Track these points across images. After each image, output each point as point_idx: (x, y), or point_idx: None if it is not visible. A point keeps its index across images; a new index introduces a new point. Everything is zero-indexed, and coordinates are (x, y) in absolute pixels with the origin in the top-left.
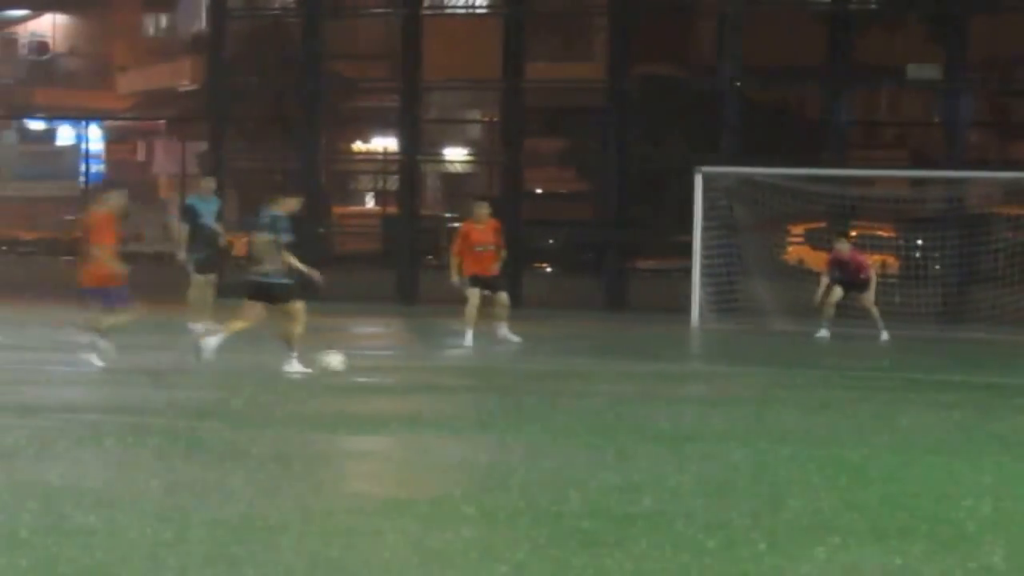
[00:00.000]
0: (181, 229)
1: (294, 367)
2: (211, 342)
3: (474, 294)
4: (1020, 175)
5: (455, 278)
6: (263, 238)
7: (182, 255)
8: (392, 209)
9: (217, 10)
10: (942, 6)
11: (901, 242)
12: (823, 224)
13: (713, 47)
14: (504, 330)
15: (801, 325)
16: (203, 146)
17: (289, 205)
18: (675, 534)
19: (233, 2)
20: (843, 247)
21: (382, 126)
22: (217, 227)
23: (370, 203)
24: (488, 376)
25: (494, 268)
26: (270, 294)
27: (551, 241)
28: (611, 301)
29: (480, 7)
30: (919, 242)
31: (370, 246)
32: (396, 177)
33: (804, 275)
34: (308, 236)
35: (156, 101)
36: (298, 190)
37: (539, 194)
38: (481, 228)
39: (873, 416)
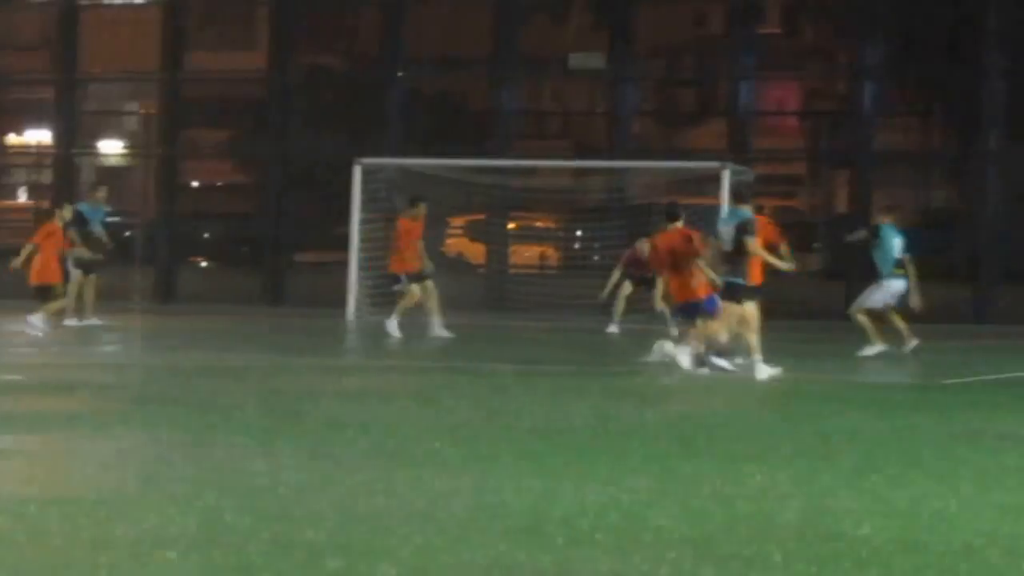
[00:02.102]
0: (71, 233)
1: (764, 371)
2: (681, 349)
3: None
4: (683, 164)
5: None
6: (718, 242)
7: (86, 255)
8: (46, 203)
9: None
10: None
11: (562, 233)
12: (483, 216)
13: (377, 37)
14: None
15: (461, 318)
16: None
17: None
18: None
19: None
20: (644, 247)
21: (38, 119)
22: (104, 234)
23: (24, 197)
24: (139, 374)
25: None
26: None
27: (206, 235)
28: (269, 295)
29: None
30: (579, 233)
31: (24, 240)
32: (51, 171)
33: (465, 268)
34: None
35: None
36: None
37: (197, 187)
38: (418, 224)
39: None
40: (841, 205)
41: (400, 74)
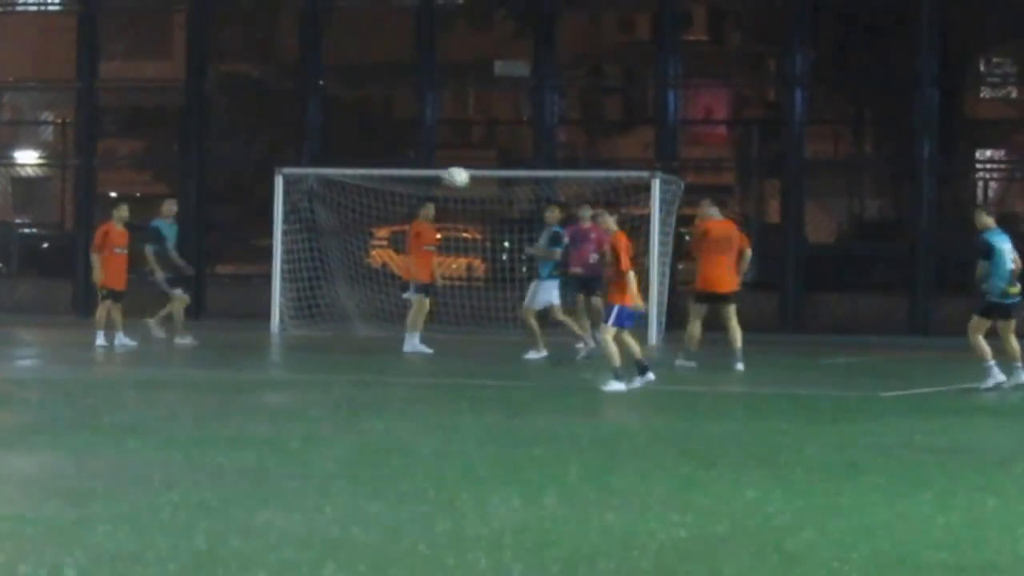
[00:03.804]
0: (148, 252)
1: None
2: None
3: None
4: (612, 174)
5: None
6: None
7: (159, 275)
8: None
9: None
10: (530, 2)
11: (489, 244)
12: (407, 227)
13: (297, 45)
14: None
15: (386, 331)
16: None
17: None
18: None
19: None
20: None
21: None
22: (175, 254)
23: None
24: (54, 388)
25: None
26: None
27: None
28: (190, 308)
29: (53, 3)
30: (507, 244)
31: None
32: None
33: (389, 279)
34: None
35: None
36: None
37: (115, 198)
38: (429, 227)
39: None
40: (772, 215)
41: (321, 83)
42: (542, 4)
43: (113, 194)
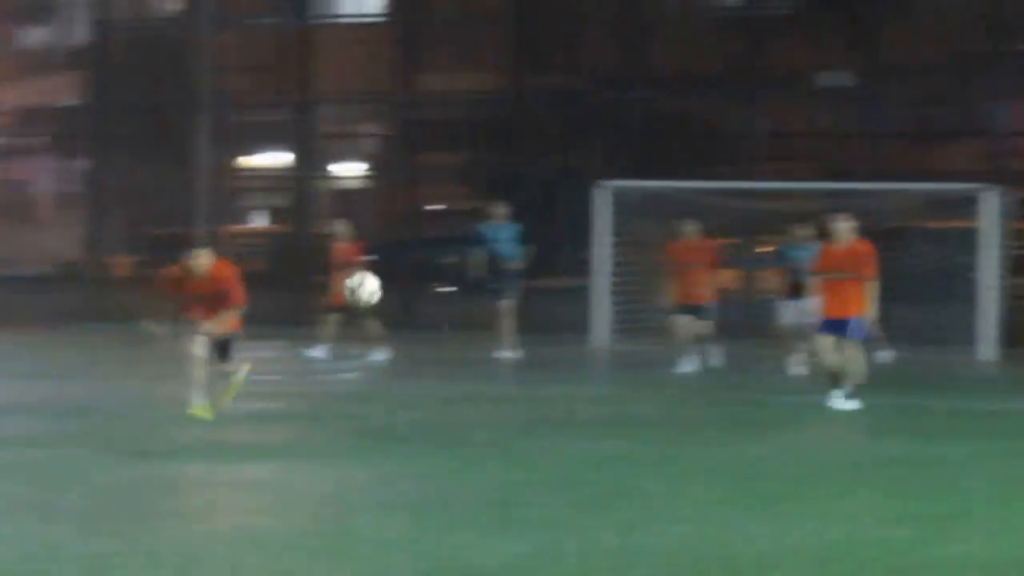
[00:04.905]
0: (472, 256)
1: None
2: None
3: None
4: (940, 187)
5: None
6: None
7: (470, 277)
8: (285, 227)
9: (101, 23)
10: (855, 12)
11: None
12: (737, 241)
13: (617, 57)
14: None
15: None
16: (85, 164)
17: None
18: None
19: (117, 14)
20: None
21: (272, 141)
22: (514, 253)
23: (261, 221)
24: (371, 401)
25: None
26: None
27: (444, 260)
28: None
29: (373, 16)
30: None
31: (260, 266)
32: (289, 194)
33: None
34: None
35: (36, 117)
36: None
37: (432, 210)
38: (685, 246)
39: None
40: None
41: (643, 94)
42: (867, 14)
43: (429, 207)
